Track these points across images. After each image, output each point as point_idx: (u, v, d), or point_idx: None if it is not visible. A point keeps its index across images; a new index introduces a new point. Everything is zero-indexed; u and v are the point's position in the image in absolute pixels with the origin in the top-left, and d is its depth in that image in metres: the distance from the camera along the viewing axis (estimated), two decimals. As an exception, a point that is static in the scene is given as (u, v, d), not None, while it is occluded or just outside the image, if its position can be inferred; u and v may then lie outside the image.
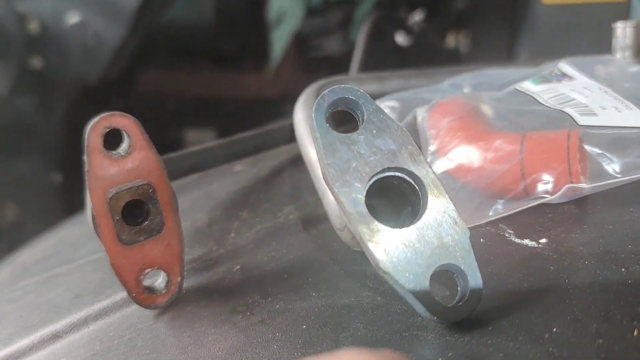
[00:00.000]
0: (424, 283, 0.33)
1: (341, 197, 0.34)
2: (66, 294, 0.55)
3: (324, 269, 0.45)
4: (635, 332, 0.30)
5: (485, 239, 0.42)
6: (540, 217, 0.44)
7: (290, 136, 0.68)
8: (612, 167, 0.44)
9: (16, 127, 1.44)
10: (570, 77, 0.54)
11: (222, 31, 1.78)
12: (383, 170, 0.35)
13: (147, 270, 0.46)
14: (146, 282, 0.46)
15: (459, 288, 0.35)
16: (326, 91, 0.35)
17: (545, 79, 0.54)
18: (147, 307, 0.46)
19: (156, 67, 1.73)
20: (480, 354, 0.31)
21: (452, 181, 0.47)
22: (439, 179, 0.35)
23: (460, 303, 0.34)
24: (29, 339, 0.49)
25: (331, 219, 0.47)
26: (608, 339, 0.30)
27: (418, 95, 0.59)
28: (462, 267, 0.34)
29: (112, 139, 0.45)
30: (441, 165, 0.48)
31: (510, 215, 0.45)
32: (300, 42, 1.86)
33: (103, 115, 0.44)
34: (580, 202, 0.45)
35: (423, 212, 0.35)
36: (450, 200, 0.35)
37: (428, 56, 1.51)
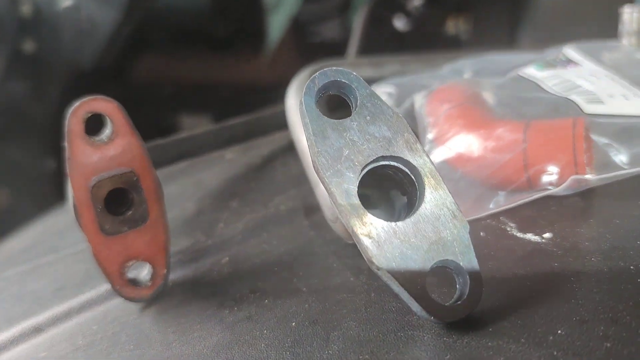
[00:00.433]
0: (420, 280, 0.31)
1: (332, 187, 0.32)
2: (50, 285, 0.53)
3: (315, 263, 0.43)
4: (646, 336, 0.28)
5: (485, 233, 0.40)
6: (543, 210, 0.42)
7: (282, 122, 0.66)
8: (620, 157, 0.42)
9: (9, 112, 1.42)
10: (575, 63, 0.52)
11: (218, 16, 1.75)
12: (377, 159, 0.32)
13: (131, 262, 0.44)
14: (130, 274, 0.44)
15: (457, 286, 0.32)
16: (317, 74, 0.33)
17: (550, 65, 0.52)
18: (132, 300, 0.44)
19: (151, 53, 1.70)
20: (479, 356, 0.29)
21: (451, 171, 0.44)
22: (438, 169, 0.33)
23: (459, 302, 0.32)
24: (10, 332, 0.47)
25: (323, 210, 0.45)
26: (616, 342, 0.28)
27: (416, 81, 0.57)
28: (461, 264, 0.32)
29: (94, 125, 0.43)
30: (440, 154, 0.46)
31: (512, 208, 0.43)
32: (298, 28, 1.84)
33: (84, 99, 0.42)
34: (586, 195, 0.42)
35: (420, 205, 0.32)
36: (449, 191, 0.33)
37: (427, 42, 1.49)
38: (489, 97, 0.49)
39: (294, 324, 0.36)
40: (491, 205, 0.42)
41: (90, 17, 1.40)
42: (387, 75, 0.65)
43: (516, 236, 0.40)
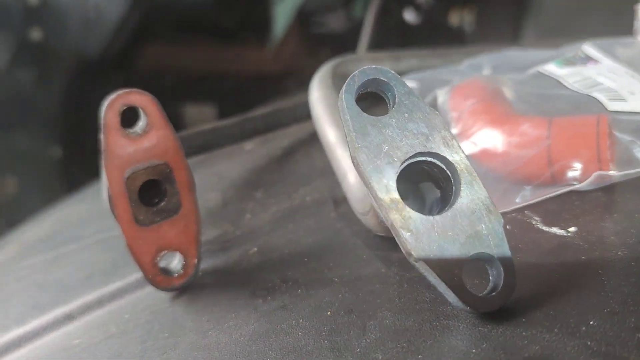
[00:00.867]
0: (457, 272, 0.32)
1: (372, 182, 0.33)
2: (76, 273, 0.54)
3: (345, 254, 0.44)
4: (676, 327, 0.30)
5: (511, 226, 0.42)
6: (567, 204, 0.43)
7: (303, 115, 0.67)
8: (643, 154, 0.43)
9: (15, 100, 1.43)
10: (595, 61, 0.53)
11: (224, 6, 1.76)
12: (415, 155, 0.34)
13: (163, 252, 0.45)
14: (162, 264, 0.45)
15: (490, 278, 0.34)
16: (357, 72, 0.34)
17: (570, 62, 0.53)
18: (163, 289, 0.45)
19: (156, 42, 1.71)
20: (515, 345, 0.30)
21: (476, 166, 0.45)
22: (473, 166, 0.34)
23: (494, 293, 0.33)
24: (42, 319, 0.49)
25: (352, 202, 0.46)
26: (647, 333, 0.29)
27: (437, 76, 0.58)
28: (495, 257, 0.33)
29: (128, 117, 0.44)
30: (464, 149, 0.47)
31: (535, 203, 0.44)
32: (303, 18, 1.84)
33: (120, 92, 0.43)
34: (608, 190, 0.44)
35: (456, 199, 0.34)
36: (484, 187, 0.34)
37: (432, 34, 1.50)
38: (510, 93, 0.50)
39: (329, 313, 0.37)
40: (517, 200, 0.43)
41: (97, 6, 1.41)
42: (404, 69, 0.66)
43: (542, 230, 0.41)
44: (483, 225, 0.33)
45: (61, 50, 1.44)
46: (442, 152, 0.34)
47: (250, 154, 0.67)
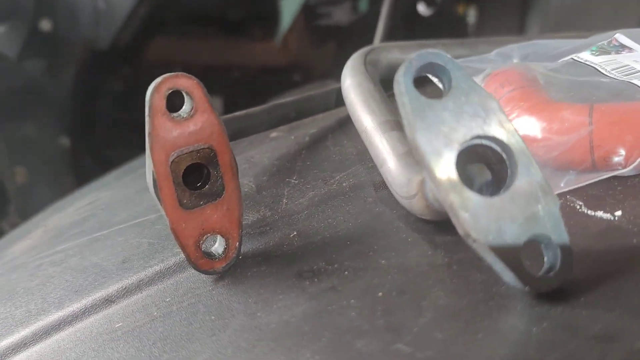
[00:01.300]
0: (515, 252, 0.33)
1: (432, 164, 0.33)
2: (113, 257, 0.54)
3: (388, 237, 0.44)
4: None
5: (556, 211, 0.42)
6: (609, 189, 0.43)
7: (331, 103, 0.67)
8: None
9: (25, 90, 1.43)
10: (630, 49, 0.53)
11: (232, -1, 1.76)
12: (472, 138, 0.34)
13: (206, 235, 0.45)
14: (204, 247, 0.45)
15: (545, 258, 0.34)
16: (414, 55, 0.34)
17: (604, 50, 0.53)
18: (205, 272, 0.45)
19: (164, 34, 1.71)
20: (577, 325, 0.31)
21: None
22: (530, 149, 0.34)
23: (550, 274, 0.33)
24: (81, 303, 0.49)
25: (393, 187, 0.46)
26: None
27: (467, 64, 0.59)
28: (552, 238, 0.33)
29: (172, 101, 0.44)
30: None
31: (576, 188, 0.44)
32: (309, 11, 1.85)
33: (166, 75, 0.43)
34: (650, 176, 0.44)
35: (512, 181, 0.34)
36: (540, 169, 0.34)
37: (439, 26, 1.50)
38: (547, 80, 0.50)
39: (380, 294, 0.38)
40: (562, 184, 0.43)
41: (107, -3, 1.41)
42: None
43: (587, 214, 0.41)
44: (540, 207, 0.34)
45: (71, 41, 1.44)
46: (499, 135, 0.34)
47: (278, 140, 0.67)
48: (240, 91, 1.70)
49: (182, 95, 0.44)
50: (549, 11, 1.45)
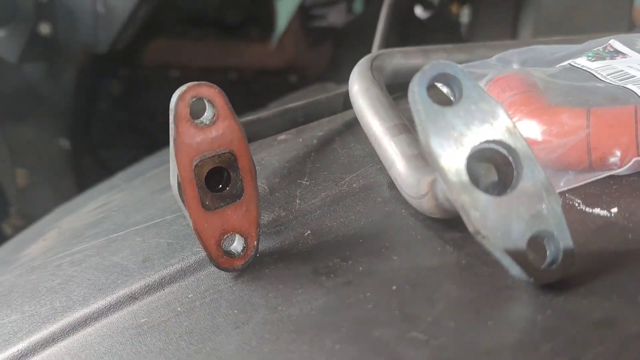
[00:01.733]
0: (521, 247, 0.36)
1: (444, 166, 0.36)
2: (133, 257, 0.57)
3: (399, 234, 0.47)
4: None
5: (556, 208, 0.45)
6: (605, 188, 0.46)
7: (337, 107, 0.70)
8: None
9: (25, 94, 1.45)
10: (624, 54, 0.56)
11: (229, 1, 1.78)
12: (482, 142, 0.37)
13: (227, 235, 0.48)
14: (225, 246, 0.48)
15: (548, 252, 0.37)
16: (427, 66, 0.37)
17: (600, 56, 0.56)
18: (226, 270, 0.48)
19: (161, 36, 1.73)
20: (578, 312, 0.34)
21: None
22: (533, 152, 0.37)
23: (553, 266, 0.36)
24: (105, 300, 0.51)
25: (403, 188, 0.49)
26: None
27: (469, 70, 0.61)
28: (555, 234, 0.36)
29: (195, 108, 0.47)
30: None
31: (574, 188, 0.47)
32: (304, 13, 1.87)
33: (190, 84, 0.46)
34: (643, 175, 0.47)
35: (518, 182, 0.37)
36: (544, 171, 0.37)
37: (434, 29, 1.53)
38: (547, 86, 0.53)
39: (394, 287, 0.40)
40: (562, 184, 0.46)
41: (106, 1, 1.43)
42: (434, 63, 0.69)
43: (585, 211, 0.44)
44: (544, 205, 0.37)
45: (70, 44, 1.45)
46: (506, 139, 0.37)
47: (286, 143, 0.70)
48: (237, 93, 1.73)
49: (204, 102, 0.47)
50: (541, 10, 1.48)
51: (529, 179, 0.37)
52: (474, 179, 0.40)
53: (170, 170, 0.47)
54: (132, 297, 0.51)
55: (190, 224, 0.46)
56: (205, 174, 0.47)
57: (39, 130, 1.50)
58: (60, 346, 0.49)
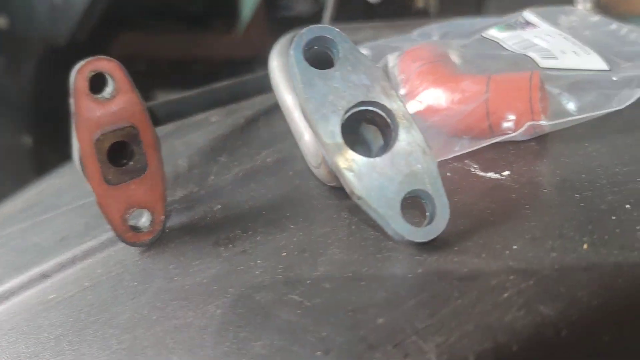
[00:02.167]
0: (396, 206, 0.36)
1: (319, 129, 0.36)
2: (52, 237, 0.57)
3: (301, 205, 0.47)
4: (585, 246, 0.34)
5: (452, 173, 0.45)
6: (503, 153, 0.47)
7: (264, 86, 0.70)
8: (570, 106, 0.47)
9: (-17, 89, 1.43)
10: (534, 25, 0.57)
11: (192, -8, 1.78)
12: (358, 104, 0.37)
13: (132, 210, 0.48)
14: (131, 221, 0.48)
15: (427, 213, 0.37)
16: (304, 30, 0.37)
17: (511, 27, 0.57)
18: (133, 244, 0.48)
19: (127, 29, 1.72)
20: (447, 269, 0.34)
21: (421, 121, 0.49)
22: (409, 112, 0.38)
23: (429, 225, 0.37)
24: (19, 279, 0.51)
25: (307, 158, 0.49)
26: (561, 252, 0.34)
27: (389, 44, 0.62)
28: (430, 193, 0.37)
29: (96, 83, 0.47)
30: (411, 108, 0.50)
31: (475, 152, 0.48)
32: (270, 2, 1.87)
33: (89, 59, 0.46)
34: (541, 139, 0.48)
35: (394, 143, 0.37)
36: (420, 131, 0.37)
37: (397, 15, 1.53)
38: (455, 55, 0.53)
39: (284, 253, 0.41)
40: (456, 148, 0.47)
41: (63, -8, 1.42)
42: (361, 40, 0.69)
43: (479, 175, 0.45)
44: (419, 165, 0.37)
45: (28, 37, 1.44)
46: (382, 101, 0.38)
47: (217, 124, 0.70)
48: (204, 83, 1.72)
49: (105, 78, 0.47)
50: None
51: (405, 140, 0.37)
52: (365, 141, 0.41)
53: (72, 145, 0.47)
54: (45, 275, 0.51)
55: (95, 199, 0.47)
56: (107, 148, 0.47)
57: (-1, 127, 1.48)
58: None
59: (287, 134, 0.60)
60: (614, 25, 0.60)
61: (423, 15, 1.54)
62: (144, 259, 0.48)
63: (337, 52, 0.38)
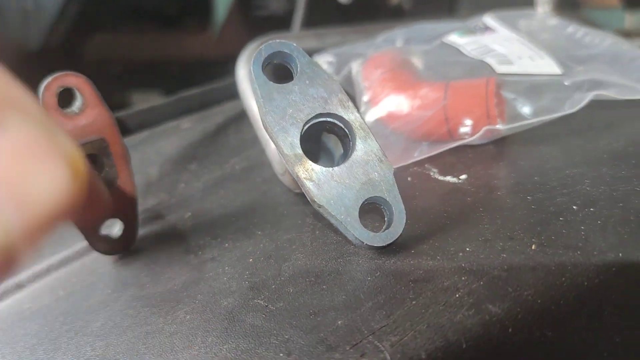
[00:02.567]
0: (354, 213, 0.38)
1: (279, 141, 0.38)
2: (26, 247, 0.58)
3: (268, 211, 0.49)
4: (533, 247, 0.36)
5: (412, 178, 0.47)
6: (462, 157, 0.49)
7: (233, 93, 0.71)
8: (525, 110, 0.49)
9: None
10: (492, 30, 0.59)
11: (165, -9, 1.77)
12: (316, 116, 0.39)
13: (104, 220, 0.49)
14: (104, 231, 0.49)
15: (385, 218, 0.39)
16: (263, 45, 0.39)
17: (470, 32, 0.59)
18: (106, 253, 0.50)
19: (100, 31, 1.72)
20: (403, 271, 0.36)
21: (383, 128, 0.51)
22: (368, 124, 0.39)
23: (387, 230, 0.38)
24: (-7, 291, 0.52)
25: (273, 165, 0.51)
26: (511, 253, 0.35)
27: (353, 50, 0.63)
28: (387, 199, 0.38)
29: (65, 97, 0.48)
30: (373, 114, 0.52)
31: (436, 157, 0.49)
32: (245, 2, 1.87)
33: (55, 75, 0.47)
34: (498, 143, 0.50)
35: (352, 152, 0.39)
36: (377, 141, 0.39)
37: (370, 13, 1.55)
38: (417, 62, 0.55)
39: (251, 260, 0.42)
40: (416, 154, 0.49)
41: (35, -3, 1.41)
42: (328, 45, 0.71)
43: (437, 179, 0.46)
44: (376, 174, 0.39)
45: (0, 43, 1.44)
46: (339, 113, 0.39)
47: (187, 131, 0.71)
48: (179, 84, 1.72)
49: (74, 92, 0.48)
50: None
51: (362, 149, 0.39)
52: (328, 151, 0.42)
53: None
54: (19, 286, 0.52)
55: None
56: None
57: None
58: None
59: (256, 141, 0.61)
60: (571, 29, 0.62)
61: (398, 12, 1.55)
62: (117, 268, 0.49)
63: (295, 66, 0.39)
